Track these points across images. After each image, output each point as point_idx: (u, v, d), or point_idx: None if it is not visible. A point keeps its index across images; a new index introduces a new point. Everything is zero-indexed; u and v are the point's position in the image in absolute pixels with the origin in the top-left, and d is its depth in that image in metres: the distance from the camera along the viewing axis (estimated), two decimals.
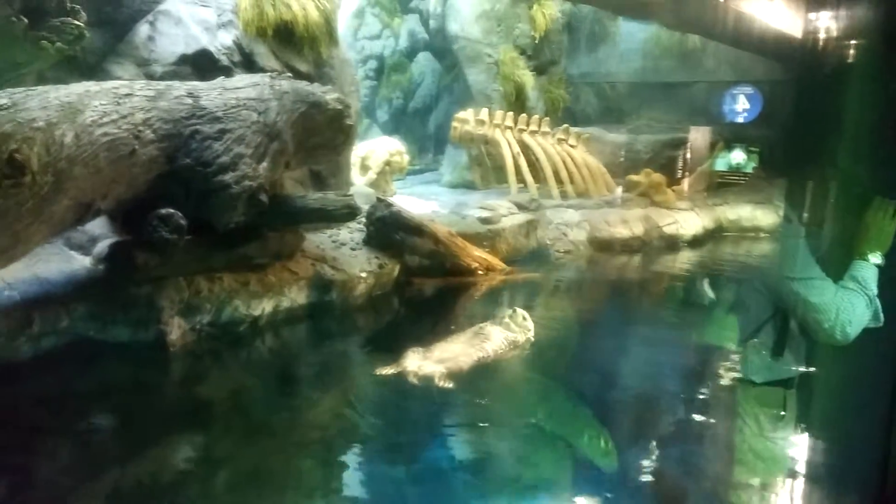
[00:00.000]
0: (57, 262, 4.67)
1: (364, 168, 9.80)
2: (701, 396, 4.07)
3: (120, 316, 4.38)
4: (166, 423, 3.81)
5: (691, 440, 3.66)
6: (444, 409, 3.93)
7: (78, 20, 3.03)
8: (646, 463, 3.37)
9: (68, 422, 3.65)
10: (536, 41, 12.26)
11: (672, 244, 9.21)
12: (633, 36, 13.35)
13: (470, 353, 4.33)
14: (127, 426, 3.75)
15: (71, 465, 3.29)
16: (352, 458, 3.54)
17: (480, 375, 4.21)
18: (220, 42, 6.15)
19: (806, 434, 2.85)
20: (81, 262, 4.77)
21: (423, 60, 13.87)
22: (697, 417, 3.86)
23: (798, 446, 2.91)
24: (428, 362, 4.15)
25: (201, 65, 5.95)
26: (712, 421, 3.75)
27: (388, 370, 4.14)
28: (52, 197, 3.44)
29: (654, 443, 3.60)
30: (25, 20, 2.78)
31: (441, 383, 3.92)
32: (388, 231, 6.49)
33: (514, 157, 10.33)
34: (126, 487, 3.11)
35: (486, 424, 3.73)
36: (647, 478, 3.24)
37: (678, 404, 4.08)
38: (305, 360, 5.09)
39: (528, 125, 10.67)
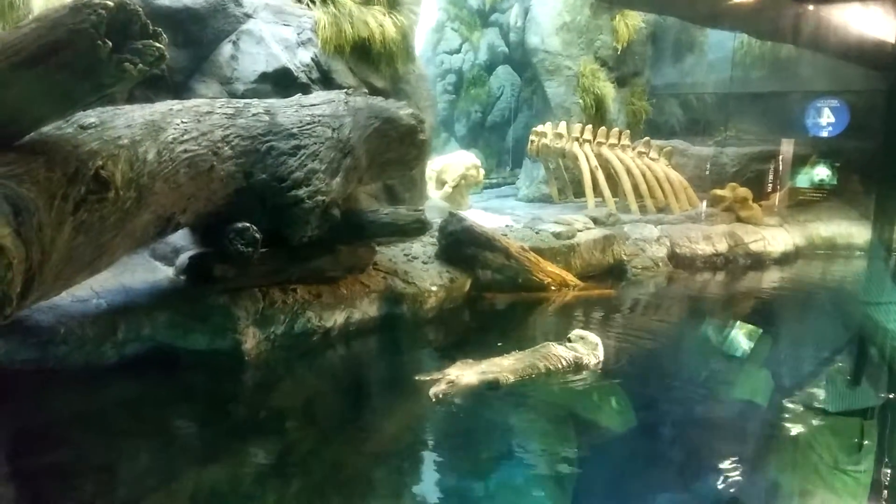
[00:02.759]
0: (142, 272, 4.91)
1: (440, 182, 9.86)
2: (775, 427, 3.84)
3: (198, 325, 4.54)
4: (241, 428, 3.94)
5: (763, 471, 3.46)
6: (437, 415, 4.03)
7: (159, 42, 3.15)
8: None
9: (149, 425, 3.83)
10: (619, 52, 12.04)
11: (758, 262, 8.78)
12: (721, 45, 12.89)
13: (516, 370, 4.28)
14: (204, 431, 3.90)
15: (152, 467, 3.43)
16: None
17: (513, 393, 4.19)
18: (300, 60, 6.34)
19: (885, 467, 2.64)
20: (165, 273, 5.00)
21: (503, 74, 13.86)
22: (769, 450, 3.65)
23: (875, 479, 2.69)
24: (469, 372, 4.16)
25: (281, 82, 6.15)
26: (785, 452, 3.53)
27: (427, 377, 4.23)
28: (134, 211, 3.61)
29: (717, 471, 3.44)
30: (110, 44, 2.92)
31: (452, 392, 3.98)
32: (460, 245, 6.49)
33: (591, 171, 10.16)
34: (203, 490, 3.22)
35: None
36: None
37: (749, 435, 3.86)
38: (368, 370, 5.16)
39: (607, 138, 10.47)
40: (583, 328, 4.82)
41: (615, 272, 7.72)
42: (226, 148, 4.36)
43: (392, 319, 5.62)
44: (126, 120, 3.77)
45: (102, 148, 3.46)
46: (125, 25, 3.08)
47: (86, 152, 3.38)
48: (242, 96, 5.75)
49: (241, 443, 3.67)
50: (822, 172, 9.97)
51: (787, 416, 3.83)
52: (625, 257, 7.87)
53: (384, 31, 6.80)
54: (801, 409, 3.64)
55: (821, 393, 3.11)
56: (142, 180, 3.64)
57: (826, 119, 9.62)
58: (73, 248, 3.29)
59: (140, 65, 3.10)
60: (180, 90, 5.63)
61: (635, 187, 10.10)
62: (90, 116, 3.59)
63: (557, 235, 7.38)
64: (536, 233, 7.43)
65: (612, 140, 10.48)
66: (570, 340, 4.62)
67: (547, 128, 10.52)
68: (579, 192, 10.63)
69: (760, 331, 5.55)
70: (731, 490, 3.29)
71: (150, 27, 3.18)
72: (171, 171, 3.88)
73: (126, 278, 4.72)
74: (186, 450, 3.65)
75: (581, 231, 7.67)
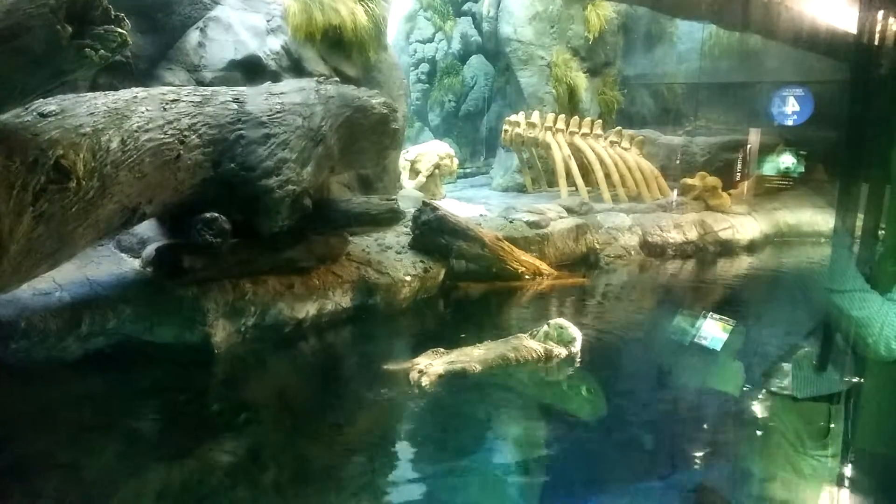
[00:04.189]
0: (107, 264, 4.80)
1: (414, 171, 9.80)
2: (742, 412, 3.89)
3: (166, 317, 4.46)
4: (208, 423, 3.87)
5: (730, 457, 3.51)
6: (403, 406, 4.09)
7: (122, 28, 3.06)
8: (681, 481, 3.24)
9: (113, 421, 3.74)
10: (590, 43, 12.07)
11: (728, 249, 8.89)
12: (690, 36, 12.98)
13: (486, 360, 4.28)
14: (169, 427, 3.82)
15: (113, 464, 3.35)
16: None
17: (482, 384, 4.20)
18: (269, 47, 6.23)
19: (850, 450, 2.68)
20: (131, 265, 4.89)
21: (476, 63, 13.80)
22: (737, 434, 3.69)
23: (842, 462, 2.73)
24: (438, 362, 4.17)
25: (250, 70, 6.05)
26: (753, 437, 3.58)
27: (396, 367, 4.26)
28: (97, 201, 3.51)
29: (689, 460, 3.47)
30: (70, 28, 2.83)
31: (429, 383, 3.99)
32: (434, 235, 6.45)
33: (564, 160, 10.17)
34: (165, 488, 3.15)
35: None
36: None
37: (718, 421, 3.91)
38: (340, 361, 5.12)
39: (579, 128, 10.49)
40: (559, 318, 4.80)
41: (588, 261, 7.75)
42: (193, 136, 4.27)
43: (365, 310, 5.58)
44: (88, 108, 3.66)
45: (63, 136, 3.36)
46: (85, 10, 2.98)
47: (46, 141, 3.28)
48: (210, 84, 5.64)
49: (207, 438, 3.61)
50: (788, 161, 10.11)
51: (755, 402, 3.88)
52: (597, 246, 7.90)
53: (356, 19, 6.71)
54: (769, 394, 3.69)
55: (788, 379, 3.15)
56: (105, 169, 3.54)
57: (791, 108, 9.74)
58: (33, 240, 3.20)
59: (101, 51, 3.01)
60: (145, 78, 5.50)
61: (607, 176, 10.15)
62: (50, 104, 3.47)
63: (531, 224, 7.38)
64: (510, 222, 7.43)
65: (585, 130, 10.50)
66: (547, 330, 4.61)
67: (520, 117, 10.51)
68: (552, 182, 10.65)
69: (729, 318, 5.62)
70: (701, 476, 3.33)
71: (112, 12, 3.08)
72: (135, 160, 3.78)
73: (90, 270, 4.61)
74: (150, 446, 3.56)
75: (554, 220, 7.68)
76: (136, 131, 3.84)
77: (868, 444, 2.65)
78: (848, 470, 2.75)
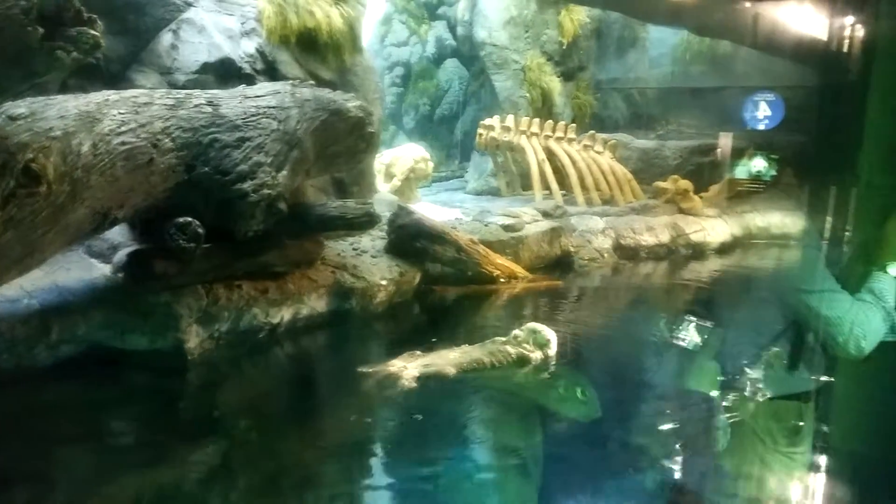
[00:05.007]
0: (77, 270, 4.70)
1: (389, 175, 9.79)
2: (715, 411, 3.95)
3: (138, 324, 4.38)
4: (181, 431, 3.81)
5: (704, 455, 3.56)
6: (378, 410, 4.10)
7: (94, 30, 3.02)
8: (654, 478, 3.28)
9: (84, 430, 3.66)
10: (564, 47, 12.17)
11: (699, 252, 9.02)
12: (662, 41, 13.19)
13: (460, 363, 4.29)
14: (142, 435, 3.75)
15: (86, 473, 3.29)
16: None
17: (451, 386, 4.20)
18: (243, 50, 6.19)
19: (822, 448, 2.73)
20: (101, 271, 4.80)
21: (451, 67, 13.85)
22: (710, 433, 3.75)
23: (814, 460, 2.79)
24: (412, 365, 4.18)
25: (224, 73, 5.99)
26: (726, 435, 3.64)
27: (371, 369, 4.23)
28: (68, 206, 3.45)
29: (662, 459, 3.51)
30: (41, 30, 2.78)
31: (405, 385, 4.01)
32: (410, 239, 6.44)
33: (539, 164, 10.24)
34: (140, 496, 3.10)
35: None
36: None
37: (691, 420, 3.96)
38: (315, 366, 5.08)
39: (554, 131, 10.57)
40: (534, 321, 4.83)
41: (562, 264, 7.80)
42: (166, 140, 4.21)
43: (341, 314, 5.54)
44: (59, 110, 3.59)
45: (33, 140, 3.30)
46: (58, 12, 2.94)
47: (15, 144, 3.21)
48: (184, 87, 5.57)
49: (180, 446, 3.55)
50: (758, 164, 10.27)
51: (728, 400, 3.94)
52: (572, 249, 7.96)
53: (331, 22, 6.69)
54: (742, 393, 3.75)
55: (760, 378, 3.21)
56: (76, 174, 3.48)
57: (762, 113, 9.90)
58: (1, 246, 3.13)
59: (74, 53, 2.98)
60: (117, 80, 5.40)
61: (581, 180, 10.23)
62: (20, 107, 3.41)
63: (506, 228, 7.41)
64: (485, 225, 7.45)
65: (559, 133, 10.58)
66: (520, 334, 4.63)
67: (495, 121, 10.56)
68: (527, 185, 10.71)
69: (702, 320, 5.71)
70: (675, 474, 3.37)
71: (85, 14, 3.05)
72: (107, 164, 3.72)
73: (59, 277, 4.51)
74: (121, 455, 3.48)
75: (529, 223, 7.72)
76: (108, 135, 3.77)
77: (838, 441, 2.70)
78: (819, 466, 2.80)
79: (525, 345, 4.57)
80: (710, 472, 3.45)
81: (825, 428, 2.73)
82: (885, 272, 2.37)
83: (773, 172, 10.04)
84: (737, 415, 3.60)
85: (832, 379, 2.60)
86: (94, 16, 3.07)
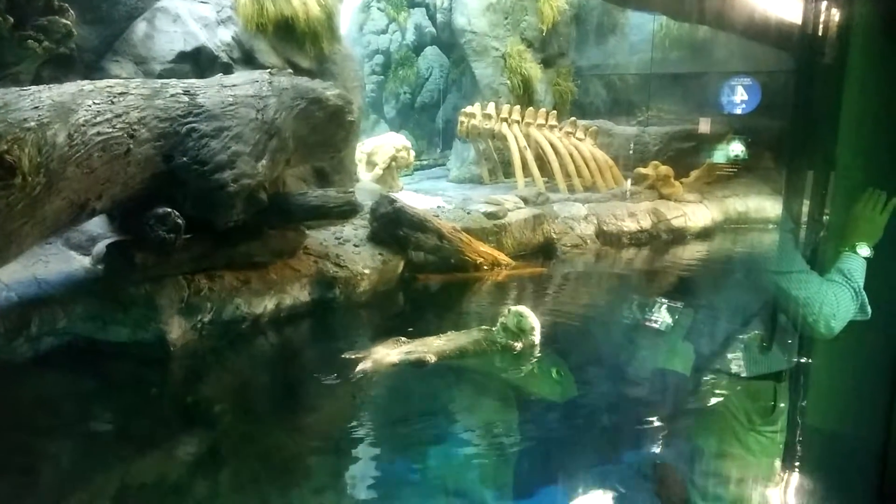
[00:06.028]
0: (56, 262, 4.66)
1: (370, 164, 9.75)
2: (693, 392, 4.01)
3: (119, 316, 4.36)
4: (164, 423, 3.80)
5: (683, 435, 3.61)
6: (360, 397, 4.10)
7: (66, 19, 2.98)
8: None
9: (66, 423, 3.65)
10: (544, 34, 12.14)
11: (680, 237, 9.10)
12: (641, 27, 13.16)
13: (443, 351, 4.32)
14: (124, 427, 3.74)
15: (69, 466, 3.28)
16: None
17: (434, 372, 4.25)
18: (220, 38, 6.12)
19: (797, 427, 2.78)
20: (81, 263, 4.76)
21: (431, 55, 13.77)
22: (688, 413, 3.80)
23: (789, 439, 2.84)
24: (395, 351, 4.22)
25: (200, 62, 5.93)
26: (704, 415, 3.70)
27: (353, 355, 4.29)
28: (44, 198, 3.41)
29: (644, 440, 3.56)
30: (11, 19, 2.74)
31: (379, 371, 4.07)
32: (392, 227, 6.44)
33: (520, 151, 10.24)
34: (125, 488, 3.10)
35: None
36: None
37: (670, 402, 4.01)
38: (298, 356, 5.08)
39: (535, 119, 10.57)
40: (518, 306, 4.85)
41: (545, 250, 7.83)
42: (143, 130, 4.16)
43: (324, 304, 5.54)
44: (32, 101, 3.54)
45: (7, 131, 3.25)
46: (28, 0, 2.89)
47: None
48: (159, 77, 5.50)
49: (163, 437, 3.55)
50: (737, 149, 10.35)
51: (705, 382, 3.99)
52: (554, 235, 7.99)
53: (308, 10, 6.63)
54: (719, 375, 3.80)
55: (736, 359, 3.26)
56: (51, 165, 3.44)
57: (740, 97, 9.97)
58: None
59: (45, 42, 2.93)
60: (91, 70, 5.32)
61: (563, 167, 10.25)
62: None
63: (489, 215, 7.42)
64: (468, 213, 7.46)
65: (540, 120, 10.59)
66: (506, 320, 4.64)
67: (476, 109, 10.54)
68: (509, 173, 10.72)
69: (681, 303, 5.78)
70: (653, 454, 3.42)
71: (56, 3, 3.00)
72: (83, 154, 3.68)
73: (38, 269, 4.48)
74: (104, 447, 3.49)
75: (511, 211, 7.74)
76: (84, 125, 3.73)
77: (812, 419, 2.75)
78: (793, 445, 2.85)
79: (509, 330, 4.60)
80: (688, 450, 3.50)
81: (799, 407, 2.78)
82: (855, 252, 2.41)
83: (749, 157, 10.14)
84: (714, 395, 3.65)
85: (806, 359, 2.65)
86: (66, 4, 3.01)
